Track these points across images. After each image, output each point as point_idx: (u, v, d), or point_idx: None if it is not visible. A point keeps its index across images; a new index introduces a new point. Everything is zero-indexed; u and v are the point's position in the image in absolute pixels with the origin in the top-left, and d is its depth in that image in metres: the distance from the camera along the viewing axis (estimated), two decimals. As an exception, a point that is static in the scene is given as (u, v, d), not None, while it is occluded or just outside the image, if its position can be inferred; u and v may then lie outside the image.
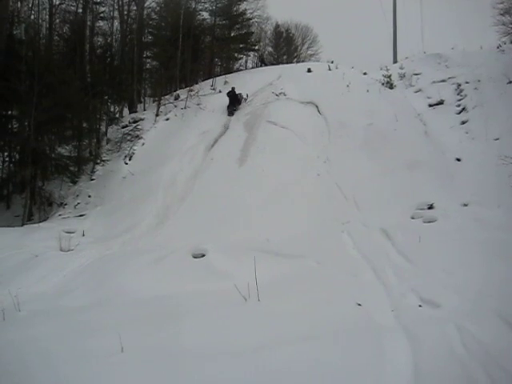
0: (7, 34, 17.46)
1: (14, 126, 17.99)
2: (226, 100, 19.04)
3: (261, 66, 29.91)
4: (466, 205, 10.35)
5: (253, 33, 32.50)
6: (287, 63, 30.09)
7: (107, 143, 19.00)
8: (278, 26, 38.21)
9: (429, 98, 16.04)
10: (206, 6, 28.05)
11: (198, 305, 6.58)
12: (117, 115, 21.45)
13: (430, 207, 10.64)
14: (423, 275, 7.13)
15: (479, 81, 15.55)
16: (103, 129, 19.81)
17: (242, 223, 11.31)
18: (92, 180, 16.61)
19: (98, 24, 24.94)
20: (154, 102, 22.43)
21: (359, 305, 6.15)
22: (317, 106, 17.52)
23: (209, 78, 24.25)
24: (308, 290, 6.96)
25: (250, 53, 34.10)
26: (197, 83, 23.11)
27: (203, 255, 9.19)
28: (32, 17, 21.30)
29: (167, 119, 19.36)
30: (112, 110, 21.79)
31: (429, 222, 9.89)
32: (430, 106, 15.62)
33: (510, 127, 12.53)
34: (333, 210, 11.59)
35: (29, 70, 15.75)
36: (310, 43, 39.94)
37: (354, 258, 8.59)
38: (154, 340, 5.25)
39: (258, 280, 6.49)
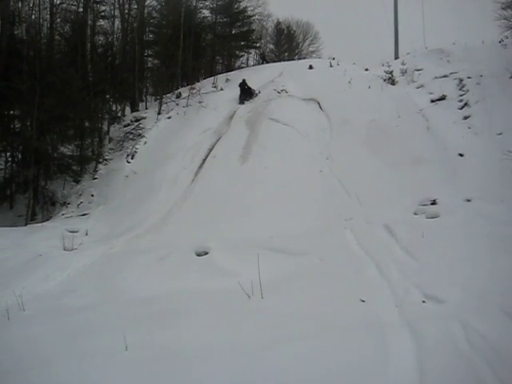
0: (8, 33, 17.46)
1: (17, 125, 18.04)
2: (228, 98, 19.14)
3: (262, 63, 29.85)
4: (469, 200, 10.31)
5: (254, 30, 32.52)
6: (288, 60, 30.03)
7: (109, 142, 19.03)
8: (279, 23, 38.22)
9: (431, 93, 15.97)
10: (206, 3, 28.13)
11: (202, 303, 6.59)
12: (119, 114, 21.46)
13: (433, 203, 10.59)
14: (427, 271, 7.11)
15: (481, 76, 15.48)
16: (105, 128, 19.83)
17: (244, 221, 11.29)
18: (95, 179, 16.64)
19: (98, 23, 24.95)
20: (155, 100, 22.41)
21: (363, 301, 6.14)
22: (318, 103, 17.48)
23: (210, 76, 24.21)
24: (311, 287, 6.95)
25: (251, 50, 34.15)
26: (198, 81, 23.07)
27: (206, 253, 9.22)
28: (33, 16, 21.33)
29: (169, 117, 19.38)
30: (114, 108, 21.79)
31: (432, 217, 9.83)
32: (432, 101, 15.54)
33: (513, 122, 12.49)
34: (335, 206, 11.56)
35: (30, 69, 15.78)
36: (311, 40, 40.00)
37: (358, 255, 8.57)
38: (158, 338, 5.27)
39: (261, 277, 6.49)
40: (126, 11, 24.65)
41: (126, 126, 19.60)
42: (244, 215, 11.58)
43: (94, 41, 22.71)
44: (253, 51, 34.49)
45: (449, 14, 41.29)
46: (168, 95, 21.29)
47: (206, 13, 28.57)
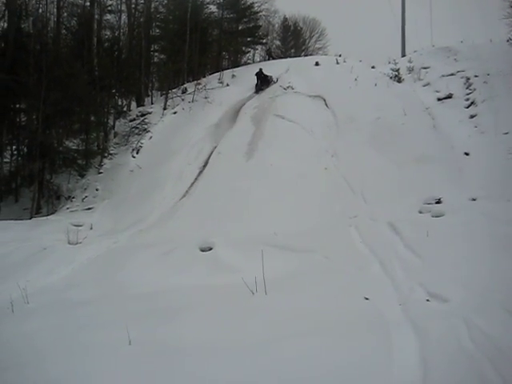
0: (15, 27, 17.48)
1: (23, 119, 18.09)
2: (233, 93, 19.21)
3: (268, 59, 29.81)
4: (474, 199, 10.26)
5: (260, 26, 32.49)
6: (295, 57, 29.99)
7: (115, 137, 19.05)
8: (285, 19, 38.12)
9: (437, 91, 15.91)
10: (213, -1, 28.04)
11: (205, 298, 6.61)
12: (124, 109, 21.46)
13: (438, 201, 10.56)
14: (431, 269, 7.08)
15: (488, 74, 15.41)
16: (111, 122, 19.84)
17: (249, 217, 11.28)
18: (100, 173, 16.67)
19: (105, 17, 24.88)
20: (161, 95, 22.44)
21: (367, 299, 6.13)
22: (324, 100, 17.46)
23: (216, 72, 24.22)
24: (315, 284, 6.95)
25: (257, 46, 34.16)
26: (204, 76, 23.09)
27: (211, 249, 9.21)
28: (40, 10, 21.26)
29: (175, 113, 19.39)
30: (120, 103, 21.80)
31: (437, 216, 9.79)
32: (439, 99, 15.49)
33: (520, 121, 12.43)
34: (340, 204, 11.54)
35: (37, 63, 15.81)
36: (318, 37, 39.89)
37: (362, 253, 8.55)
38: (162, 333, 5.28)
39: (265, 274, 6.49)
40: (133, 6, 24.72)
41: (131, 121, 19.63)
42: (249, 212, 11.57)
43: (100, 35, 22.68)
44: (259, 47, 34.52)
45: (456, 12, 41.16)
46: (174, 90, 21.30)
47: (213, 8, 28.63)
